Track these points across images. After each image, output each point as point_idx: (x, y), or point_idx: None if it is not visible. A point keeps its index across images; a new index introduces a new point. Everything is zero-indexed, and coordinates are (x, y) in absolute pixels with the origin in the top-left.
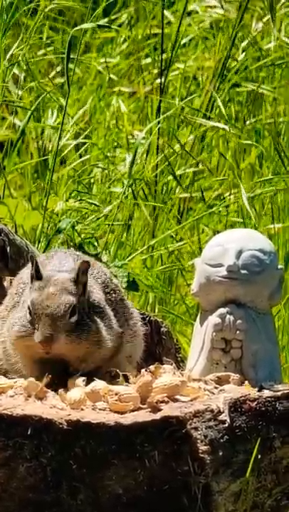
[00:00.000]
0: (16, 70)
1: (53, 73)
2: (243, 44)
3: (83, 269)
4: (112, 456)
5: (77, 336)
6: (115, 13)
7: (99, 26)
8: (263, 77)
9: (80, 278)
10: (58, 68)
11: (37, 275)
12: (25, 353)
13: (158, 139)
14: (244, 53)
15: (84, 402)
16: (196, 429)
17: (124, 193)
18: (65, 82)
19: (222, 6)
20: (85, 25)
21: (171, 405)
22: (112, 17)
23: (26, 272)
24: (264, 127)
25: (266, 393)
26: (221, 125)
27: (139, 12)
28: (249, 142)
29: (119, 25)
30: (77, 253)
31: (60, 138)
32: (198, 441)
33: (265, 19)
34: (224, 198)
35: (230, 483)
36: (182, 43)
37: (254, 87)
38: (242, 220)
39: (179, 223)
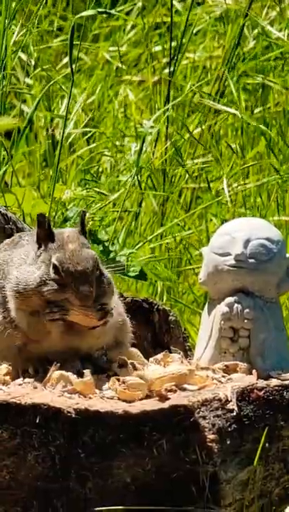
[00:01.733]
0: (24, 57)
1: (62, 62)
2: (253, 33)
3: (84, 218)
4: (120, 444)
5: (103, 288)
6: (124, 1)
7: (99, 13)
8: (272, 67)
9: (84, 228)
10: (67, 58)
11: (50, 236)
12: (33, 306)
13: (167, 127)
14: (253, 42)
15: (91, 386)
16: (203, 417)
17: (133, 181)
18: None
19: None
20: (86, 12)
21: (179, 394)
22: (119, 8)
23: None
24: (272, 116)
25: (274, 382)
26: (231, 110)
27: (149, 0)
28: (258, 125)
29: (128, 14)
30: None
31: (65, 125)
32: (206, 429)
33: (276, 9)
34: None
35: (238, 472)
36: (192, 32)
37: (262, 78)
38: (248, 212)
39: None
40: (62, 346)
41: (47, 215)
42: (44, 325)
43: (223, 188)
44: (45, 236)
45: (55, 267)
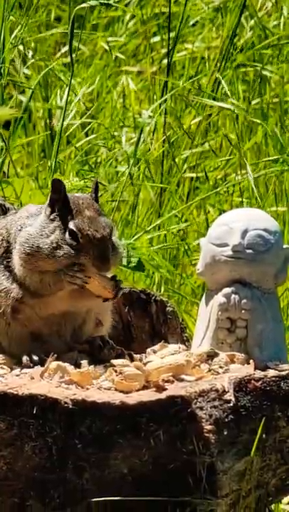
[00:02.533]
0: (22, 48)
1: (60, 52)
2: (250, 23)
3: (97, 186)
4: (117, 435)
5: (116, 256)
6: None
7: (102, 4)
8: (269, 56)
9: (98, 196)
10: (65, 48)
11: (64, 201)
12: (45, 267)
13: (164, 119)
14: (251, 32)
15: (88, 376)
16: (201, 408)
17: (130, 172)
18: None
19: None
20: (88, 3)
21: (177, 385)
22: None
23: None
24: (268, 106)
25: (271, 373)
26: (225, 105)
27: None
28: (254, 119)
29: (127, 5)
30: None
31: (64, 116)
32: (203, 420)
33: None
34: (226, 179)
35: (235, 463)
36: (190, 23)
37: (258, 67)
38: (245, 200)
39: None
40: (66, 306)
41: None
42: (60, 282)
43: (221, 179)
44: (60, 201)
45: (72, 232)
